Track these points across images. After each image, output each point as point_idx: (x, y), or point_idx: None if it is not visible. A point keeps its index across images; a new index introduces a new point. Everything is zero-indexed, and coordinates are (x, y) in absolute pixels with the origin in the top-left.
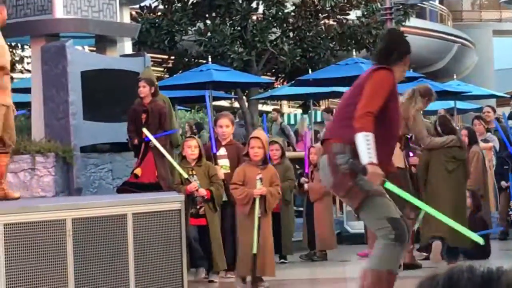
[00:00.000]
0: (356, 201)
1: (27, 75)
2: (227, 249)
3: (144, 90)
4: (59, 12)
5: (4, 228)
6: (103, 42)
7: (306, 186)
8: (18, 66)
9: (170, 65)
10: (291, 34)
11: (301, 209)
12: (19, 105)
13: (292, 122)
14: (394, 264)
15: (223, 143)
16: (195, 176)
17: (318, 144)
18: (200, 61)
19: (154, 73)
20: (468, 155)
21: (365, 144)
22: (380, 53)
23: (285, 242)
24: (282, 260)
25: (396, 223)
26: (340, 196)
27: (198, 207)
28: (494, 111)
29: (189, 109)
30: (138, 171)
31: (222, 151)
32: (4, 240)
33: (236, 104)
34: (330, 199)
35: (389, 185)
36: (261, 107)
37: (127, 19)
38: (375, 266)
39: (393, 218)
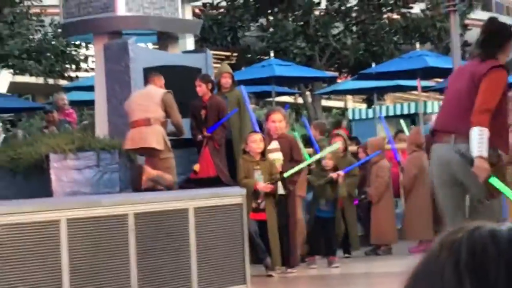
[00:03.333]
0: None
1: (92, 73)
2: (283, 245)
3: (200, 89)
4: (121, 9)
5: (67, 223)
6: (165, 39)
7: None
8: (83, 65)
9: (233, 61)
10: (354, 28)
11: None
12: (85, 104)
13: (357, 117)
14: None
15: (275, 137)
16: (259, 171)
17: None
18: (263, 57)
19: (217, 69)
20: None
21: (478, 138)
22: (483, 46)
23: (352, 236)
24: (346, 255)
25: None
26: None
27: (259, 201)
28: None
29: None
30: (196, 167)
31: (274, 145)
32: (68, 235)
33: (300, 100)
34: (390, 195)
35: (493, 181)
36: (324, 102)
37: (189, 16)
38: None
39: None
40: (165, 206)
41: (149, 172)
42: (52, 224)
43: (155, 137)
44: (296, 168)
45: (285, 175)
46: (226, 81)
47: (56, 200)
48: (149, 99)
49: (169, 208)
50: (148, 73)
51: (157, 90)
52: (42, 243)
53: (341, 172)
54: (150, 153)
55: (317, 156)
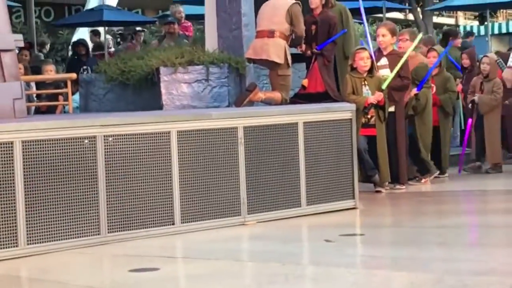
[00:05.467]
0: None
1: None
2: (392, 161)
3: (314, 1)
4: None
5: (177, 134)
6: None
7: (476, 98)
8: None
9: None
10: None
11: None
12: (195, 17)
13: None
14: None
15: (384, 53)
16: (367, 86)
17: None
18: None
19: None
20: None
21: None
22: None
23: (444, 154)
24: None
25: None
26: None
27: (369, 116)
28: None
29: (361, 21)
30: (305, 82)
31: (383, 61)
32: (178, 146)
33: (410, 16)
34: (499, 111)
35: None
36: (435, 19)
37: None
38: None
39: None
40: (275, 120)
41: (258, 94)
42: (163, 135)
43: (276, 50)
44: (391, 76)
45: (383, 86)
46: None
47: (167, 112)
48: (276, 9)
49: (279, 122)
50: None
51: (284, 0)
52: (153, 154)
53: (414, 90)
54: (269, 66)
55: (405, 56)
